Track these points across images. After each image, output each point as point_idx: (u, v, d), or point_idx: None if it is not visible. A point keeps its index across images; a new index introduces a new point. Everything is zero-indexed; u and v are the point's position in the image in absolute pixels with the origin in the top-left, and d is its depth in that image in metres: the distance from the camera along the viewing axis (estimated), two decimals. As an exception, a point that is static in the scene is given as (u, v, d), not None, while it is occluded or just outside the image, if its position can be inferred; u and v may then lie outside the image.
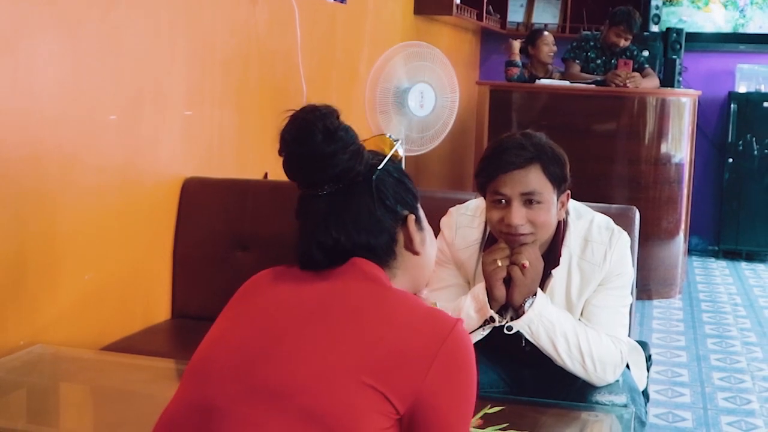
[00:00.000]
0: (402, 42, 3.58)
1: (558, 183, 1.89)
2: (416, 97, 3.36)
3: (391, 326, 1.14)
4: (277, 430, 1.08)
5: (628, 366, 2.09)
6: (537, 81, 5.10)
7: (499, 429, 1.64)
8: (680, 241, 5.12)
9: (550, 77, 5.30)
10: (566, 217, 1.99)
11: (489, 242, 2.00)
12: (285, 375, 1.11)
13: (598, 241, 1.97)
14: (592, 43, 5.32)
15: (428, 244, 1.32)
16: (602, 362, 1.92)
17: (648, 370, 3.18)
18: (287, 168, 1.23)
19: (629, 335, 2.48)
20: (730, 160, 6.08)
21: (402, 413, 1.11)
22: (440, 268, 2.06)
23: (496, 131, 4.45)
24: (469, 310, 1.93)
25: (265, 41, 3.23)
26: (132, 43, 2.47)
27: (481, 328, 1.93)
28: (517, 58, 5.31)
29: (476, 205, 2.06)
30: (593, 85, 4.99)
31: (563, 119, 4.87)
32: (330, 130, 1.20)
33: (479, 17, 5.76)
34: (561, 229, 1.98)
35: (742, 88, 6.24)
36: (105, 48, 2.36)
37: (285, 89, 3.36)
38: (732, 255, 6.18)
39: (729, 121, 6.07)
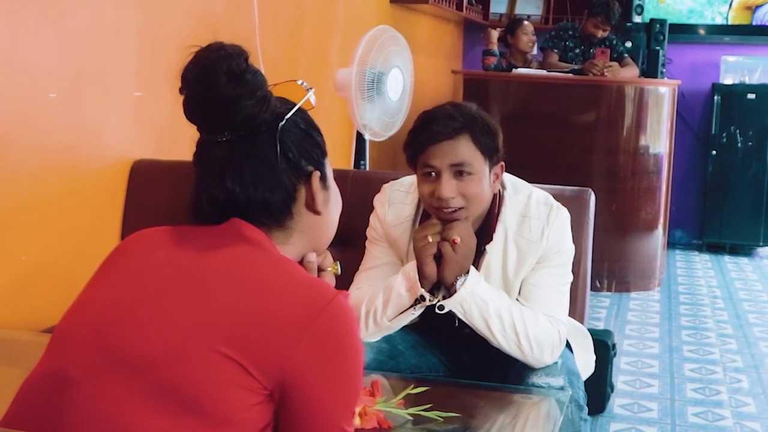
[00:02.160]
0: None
1: (489, 154, 1.83)
2: (392, 82, 3.33)
3: (261, 294, 1.05)
4: (132, 403, 1.00)
5: (571, 349, 2.02)
6: (514, 70, 5.04)
7: (422, 410, 1.58)
8: (659, 233, 5.05)
9: (528, 67, 5.24)
10: (502, 191, 1.92)
11: (423, 219, 1.94)
12: (141, 344, 1.03)
13: (535, 217, 1.90)
14: (570, 33, 5.26)
15: (332, 204, 1.23)
16: (539, 342, 1.85)
17: (611, 359, 3.14)
18: (186, 109, 1.13)
19: (588, 323, 2.42)
20: (714, 152, 5.99)
21: (270, 389, 1.02)
22: (373, 246, 2.00)
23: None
24: (399, 288, 1.86)
25: (223, 23, 3.16)
26: (75, 16, 2.39)
27: (413, 308, 1.87)
28: (495, 48, 5.24)
29: (410, 181, 1.99)
30: (571, 75, 4.92)
31: (540, 108, 4.79)
32: (235, 73, 1.10)
33: (459, 7, 5.70)
34: (496, 203, 1.91)
35: (727, 80, 6.16)
36: (44, 20, 2.29)
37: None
38: (716, 248, 6.10)
39: (713, 113, 5.99)
